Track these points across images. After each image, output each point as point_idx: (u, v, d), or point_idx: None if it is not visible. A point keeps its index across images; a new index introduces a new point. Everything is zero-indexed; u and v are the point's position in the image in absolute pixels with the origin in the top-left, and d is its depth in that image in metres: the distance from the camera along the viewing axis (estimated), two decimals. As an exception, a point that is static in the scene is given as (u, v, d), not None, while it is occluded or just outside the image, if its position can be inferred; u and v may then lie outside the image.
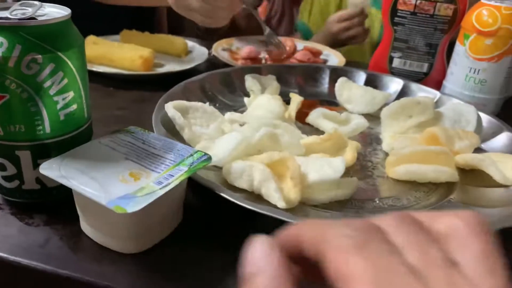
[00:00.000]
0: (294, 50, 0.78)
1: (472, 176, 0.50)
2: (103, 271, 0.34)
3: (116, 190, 0.33)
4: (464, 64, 0.65)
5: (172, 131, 0.50)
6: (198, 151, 0.39)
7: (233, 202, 0.39)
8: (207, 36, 0.96)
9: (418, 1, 0.68)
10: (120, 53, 0.72)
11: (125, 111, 0.62)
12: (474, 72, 0.64)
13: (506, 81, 0.64)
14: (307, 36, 1.17)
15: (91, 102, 0.65)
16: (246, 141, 0.45)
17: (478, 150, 0.54)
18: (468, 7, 0.67)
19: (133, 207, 0.32)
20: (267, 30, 0.70)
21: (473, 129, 0.56)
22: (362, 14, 1.03)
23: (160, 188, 0.34)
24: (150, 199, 0.32)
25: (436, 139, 0.51)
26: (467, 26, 0.63)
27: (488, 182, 0.48)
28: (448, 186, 0.48)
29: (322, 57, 0.87)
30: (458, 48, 0.65)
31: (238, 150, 0.45)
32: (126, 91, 0.68)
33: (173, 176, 0.36)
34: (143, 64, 0.71)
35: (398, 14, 0.70)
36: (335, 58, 0.86)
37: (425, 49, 0.71)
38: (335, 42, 1.05)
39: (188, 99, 0.55)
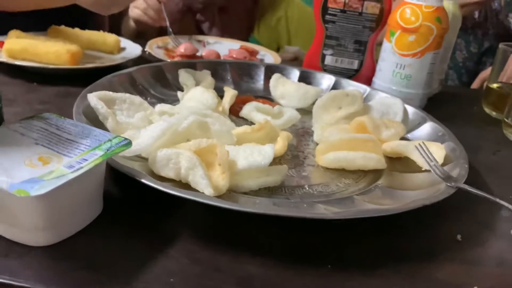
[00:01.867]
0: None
1: (399, 164, 0.52)
2: (7, 266, 0.31)
3: (21, 174, 0.31)
4: (391, 60, 0.67)
5: (95, 122, 0.47)
6: (118, 136, 0.37)
7: (155, 188, 0.37)
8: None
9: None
10: (45, 47, 0.68)
11: (47, 105, 0.58)
12: (400, 68, 0.67)
13: (429, 76, 0.67)
14: None
15: (11, 97, 0.61)
16: (173, 128, 0.44)
17: (404, 139, 0.56)
18: (393, 6, 0.70)
19: (37, 191, 0.29)
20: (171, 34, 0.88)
21: (400, 120, 0.58)
22: (295, 60, 1.12)
23: (71, 172, 0.32)
24: (59, 183, 0.30)
25: (364, 128, 0.53)
26: (392, 23, 0.66)
27: (412, 168, 0.50)
28: (376, 174, 0.49)
29: (258, 56, 0.87)
30: (386, 45, 0.68)
31: (164, 138, 0.43)
32: (51, 86, 0.64)
33: (87, 160, 0.33)
34: (70, 59, 0.67)
35: (329, 12, 0.72)
36: (271, 57, 0.87)
37: (355, 46, 0.73)
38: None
39: (116, 92, 0.53)
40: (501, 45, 0.72)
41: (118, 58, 0.75)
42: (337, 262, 0.35)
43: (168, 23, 0.94)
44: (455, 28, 0.74)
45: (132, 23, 1.07)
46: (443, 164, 0.48)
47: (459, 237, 0.40)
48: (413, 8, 0.64)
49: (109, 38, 0.79)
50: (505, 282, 0.36)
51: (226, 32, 1.24)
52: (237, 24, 1.26)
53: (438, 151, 0.49)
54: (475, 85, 1.01)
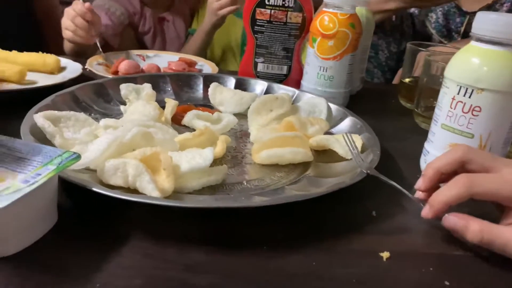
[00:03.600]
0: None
1: (324, 156, 0.59)
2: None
3: (-20, 192, 0.34)
4: (315, 64, 0.75)
5: (43, 141, 0.50)
6: (67, 151, 0.41)
7: (106, 195, 0.41)
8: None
9: (273, 11, 0.77)
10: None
11: (-10, 128, 0.60)
12: (323, 70, 0.74)
13: (349, 76, 0.76)
14: None
15: None
16: (118, 140, 0.48)
17: (329, 134, 0.63)
18: (314, 14, 0.78)
19: (-2, 204, 0.32)
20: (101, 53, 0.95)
21: (325, 117, 0.66)
22: None
23: (27, 186, 0.35)
24: (16, 196, 0.34)
25: (292, 127, 0.59)
26: (313, 30, 0.74)
27: (336, 158, 0.57)
28: (305, 166, 0.56)
29: (197, 67, 0.92)
30: (309, 50, 0.76)
31: (110, 149, 0.47)
32: (-9, 110, 0.65)
33: (40, 175, 0.37)
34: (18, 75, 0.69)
35: (257, 23, 0.79)
36: (208, 67, 0.93)
37: (283, 53, 0.81)
38: (217, 18, 1.19)
39: (60, 111, 0.56)
40: (408, 45, 0.82)
41: (59, 78, 0.77)
42: (271, 244, 0.41)
43: (98, 43, 0.98)
44: (370, 32, 0.84)
45: (69, 44, 1.09)
46: (361, 152, 0.56)
47: (374, 213, 0.48)
48: (330, 16, 0.72)
49: (48, 58, 0.81)
50: (410, 245, 0.43)
51: (169, 37, 1.29)
52: (179, 28, 1.31)
53: (357, 141, 0.57)
54: (395, 81, 1.12)
